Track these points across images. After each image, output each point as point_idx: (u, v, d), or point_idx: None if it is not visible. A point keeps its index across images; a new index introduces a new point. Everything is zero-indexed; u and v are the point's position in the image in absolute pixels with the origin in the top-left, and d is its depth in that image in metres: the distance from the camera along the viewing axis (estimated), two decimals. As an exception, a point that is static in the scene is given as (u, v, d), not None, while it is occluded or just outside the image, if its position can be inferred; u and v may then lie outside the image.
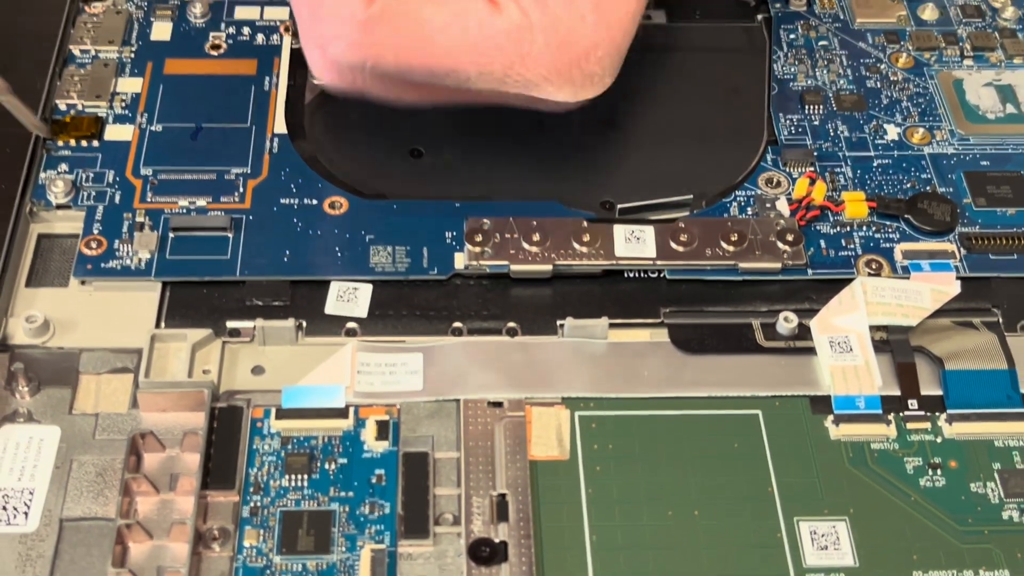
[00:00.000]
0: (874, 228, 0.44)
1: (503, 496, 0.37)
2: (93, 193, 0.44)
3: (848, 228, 0.44)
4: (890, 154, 0.47)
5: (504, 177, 0.46)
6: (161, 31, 0.50)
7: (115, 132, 0.46)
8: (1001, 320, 0.42)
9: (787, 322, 0.41)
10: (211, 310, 0.41)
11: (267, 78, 0.48)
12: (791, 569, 0.36)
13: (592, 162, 0.47)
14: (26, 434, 0.38)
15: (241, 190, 0.44)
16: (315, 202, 0.44)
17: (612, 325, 0.41)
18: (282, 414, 0.39)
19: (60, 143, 0.45)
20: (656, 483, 0.38)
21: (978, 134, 0.48)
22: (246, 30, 0.50)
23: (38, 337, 0.40)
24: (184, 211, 0.43)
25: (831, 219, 0.44)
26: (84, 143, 0.45)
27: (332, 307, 0.42)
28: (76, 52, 0.48)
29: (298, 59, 0.48)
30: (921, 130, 0.48)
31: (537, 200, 0.44)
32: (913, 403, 0.40)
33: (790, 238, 0.43)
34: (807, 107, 0.48)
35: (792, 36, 0.51)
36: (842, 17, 0.52)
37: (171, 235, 0.43)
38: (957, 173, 0.46)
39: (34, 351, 0.40)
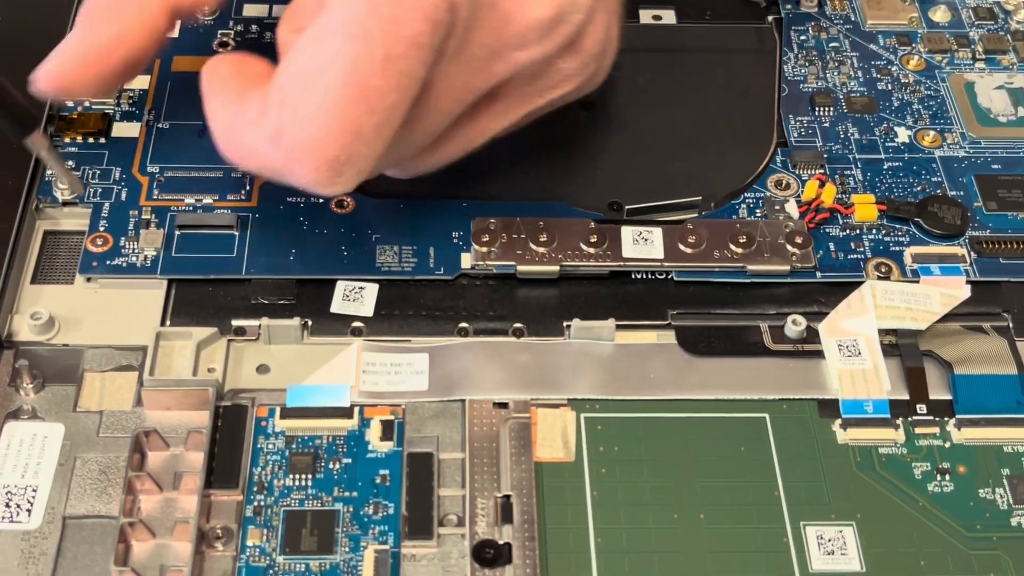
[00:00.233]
0: (884, 231, 0.44)
1: (508, 498, 0.37)
2: (99, 190, 0.44)
3: (858, 231, 0.44)
4: (900, 157, 0.47)
5: (511, 177, 0.45)
6: (169, 28, 0.49)
7: (122, 129, 0.46)
8: (1011, 325, 0.42)
9: (795, 325, 0.41)
10: (216, 308, 0.41)
11: (275, 76, 0.48)
12: (797, 573, 0.36)
13: (600, 163, 0.46)
14: (30, 431, 0.38)
15: (248, 188, 0.44)
16: (321, 201, 0.44)
17: (619, 327, 0.41)
18: (287, 413, 0.39)
19: (67, 140, 0.45)
20: (662, 486, 0.38)
21: (989, 137, 0.47)
22: (254, 27, 0.50)
23: (43, 334, 0.40)
24: (190, 209, 0.43)
25: (840, 222, 0.44)
26: (91, 140, 0.45)
27: (338, 306, 0.41)
28: (84, 48, 0.48)
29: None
30: (932, 133, 0.47)
31: (544, 201, 0.44)
32: (922, 408, 0.40)
33: (799, 241, 0.43)
34: (817, 109, 0.48)
35: (803, 37, 0.51)
36: (853, 19, 0.52)
37: (177, 233, 0.42)
38: (968, 176, 0.46)
39: (39, 348, 0.40)
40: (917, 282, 0.42)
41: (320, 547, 0.36)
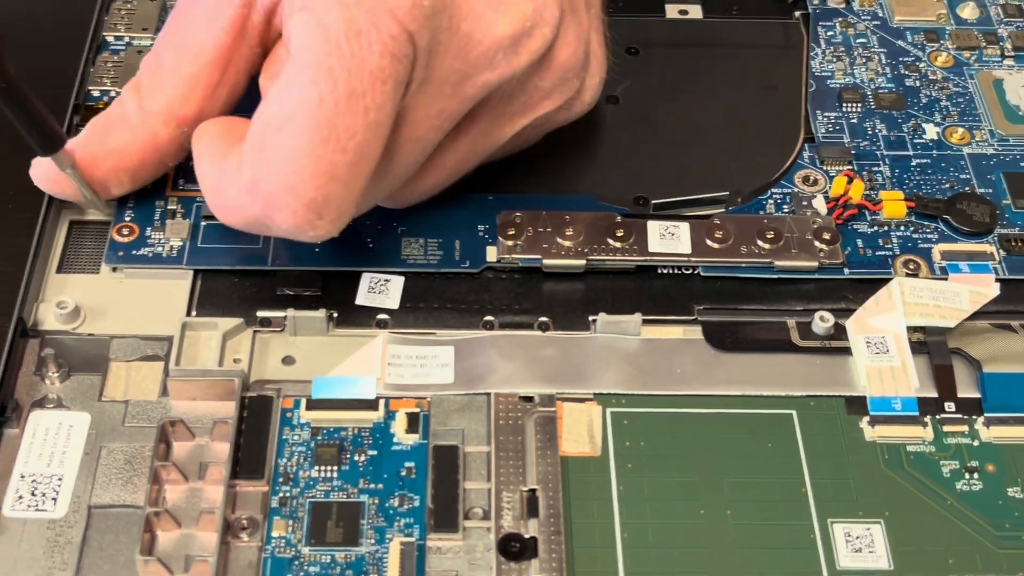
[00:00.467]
0: (912, 228, 0.44)
1: (533, 491, 0.37)
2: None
3: (886, 228, 0.44)
4: (929, 154, 0.46)
5: (537, 171, 0.45)
6: (195, 19, 0.49)
7: (148, 119, 0.46)
8: (1041, 323, 0.42)
9: (823, 321, 0.41)
10: (242, 299, 0.41)
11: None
12: (824, 570, 0.36)
13: (626, 157, 0.46)
14: (56, 420, 0.38)
15: (273, 179, 0.44)
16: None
17: (645, 321, 0.41)
18: (312, 405, 0.38)
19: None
20: (688, 481, 0.37)
21: (1018, 135, 0.47)
22: (280, 19, 0.50)
23: (69, 323, 0.40)
24: (216, 199, 0.43)
25: (868, 218, 0.44)
26: (117, 130, 0.45)
27: (363, 298, 0.41)
28: (110, 39, 0.48)
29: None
30: (960, 130, 0.47)
31: (570, 194, 0.44)
32: (950, 405, 0.40)
33: (827, 237, 0.42)
34: (845, 105, 0.48)
35: (830, 33, 0.51)
36: (881, 15, 0.52)
37: (203, 223, 0.42)
38: (996, 174, 0.46)
39: (64, 337, 0.40)
40: (945, 279, 0.42)
41: (345, 539, 0.36)
